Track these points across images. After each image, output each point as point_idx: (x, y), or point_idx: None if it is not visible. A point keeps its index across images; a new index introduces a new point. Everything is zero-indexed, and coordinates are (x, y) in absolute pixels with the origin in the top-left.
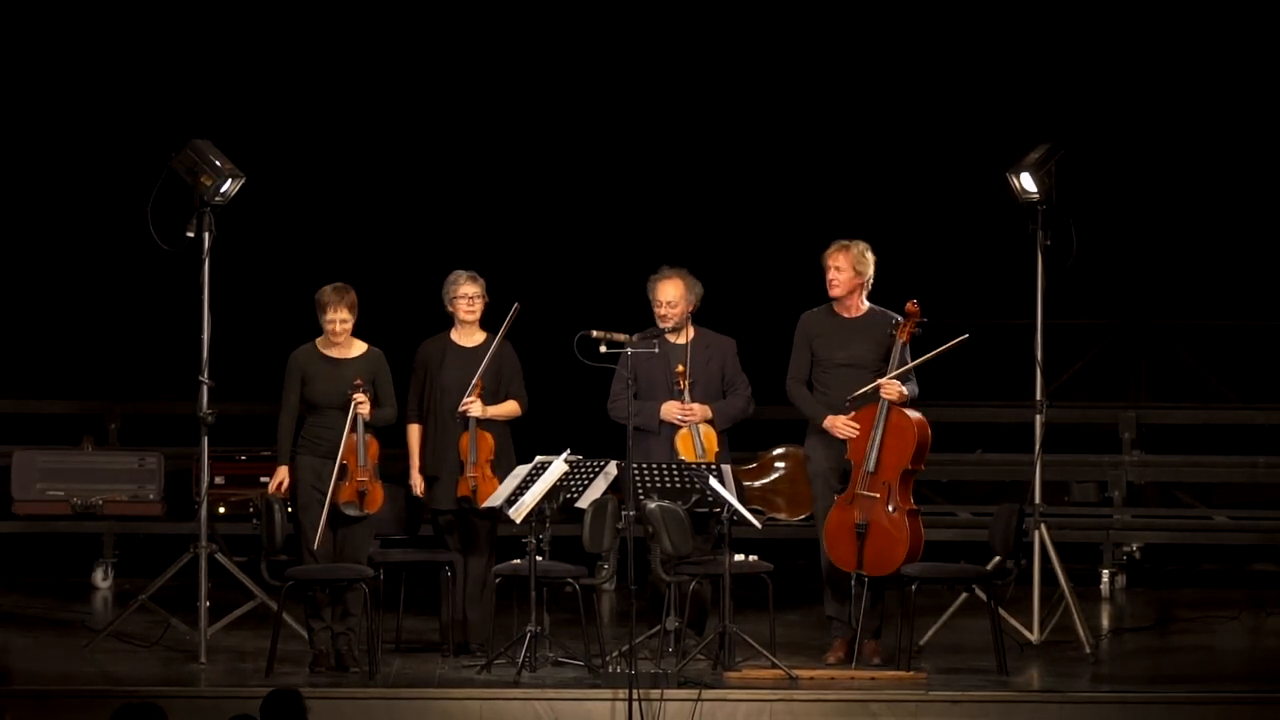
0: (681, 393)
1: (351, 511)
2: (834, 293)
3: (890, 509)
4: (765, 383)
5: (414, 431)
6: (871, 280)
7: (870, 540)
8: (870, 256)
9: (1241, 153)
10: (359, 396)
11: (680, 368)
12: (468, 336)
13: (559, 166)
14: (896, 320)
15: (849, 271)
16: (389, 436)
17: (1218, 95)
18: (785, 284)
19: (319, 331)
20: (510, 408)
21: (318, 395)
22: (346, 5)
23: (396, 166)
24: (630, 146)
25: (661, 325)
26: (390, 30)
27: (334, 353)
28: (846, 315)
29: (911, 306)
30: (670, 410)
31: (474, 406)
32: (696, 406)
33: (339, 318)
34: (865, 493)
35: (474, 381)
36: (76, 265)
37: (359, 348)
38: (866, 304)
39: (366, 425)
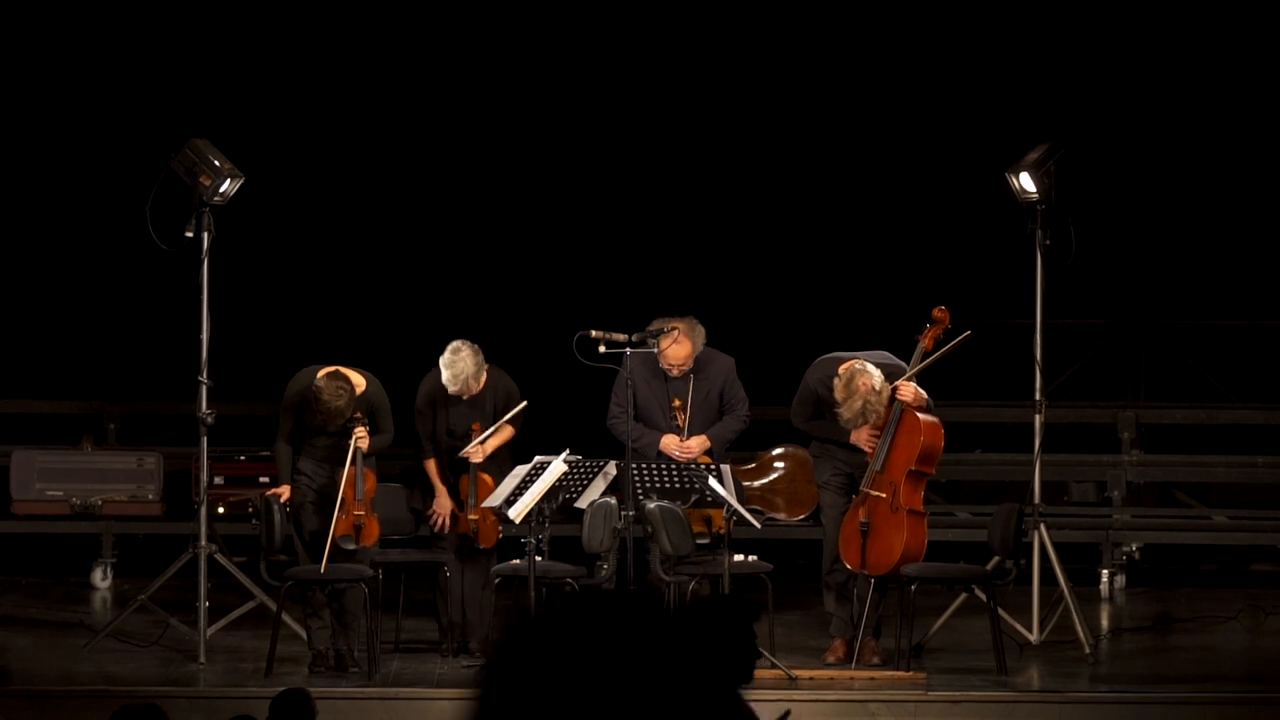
0: (680, 429)
1: (348, 545)
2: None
3: (892, 509)
4: (766, 382)
5: (433, 466)
6: None
7: (871, 539)
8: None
9: (1241, 153)
10: (359, 431)
11: (677, 402)
12: None
13: (560, 164)
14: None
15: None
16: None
17: (1218, 95)
18: (786, 283)
19: (314, 330)
20: (506, 433)
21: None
22: (346, 6)
23: (397, 166)
24: (630, 145)
25: (671, 377)
26: (392, 32)
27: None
28: None
29: (939, 312)
30: (669, 445)
31: (475, 454)
32: (694, 443)
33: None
34: (872, 491)
35: (477, 435)
36: (76, 265)
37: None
38: None
39: (365, 458)
